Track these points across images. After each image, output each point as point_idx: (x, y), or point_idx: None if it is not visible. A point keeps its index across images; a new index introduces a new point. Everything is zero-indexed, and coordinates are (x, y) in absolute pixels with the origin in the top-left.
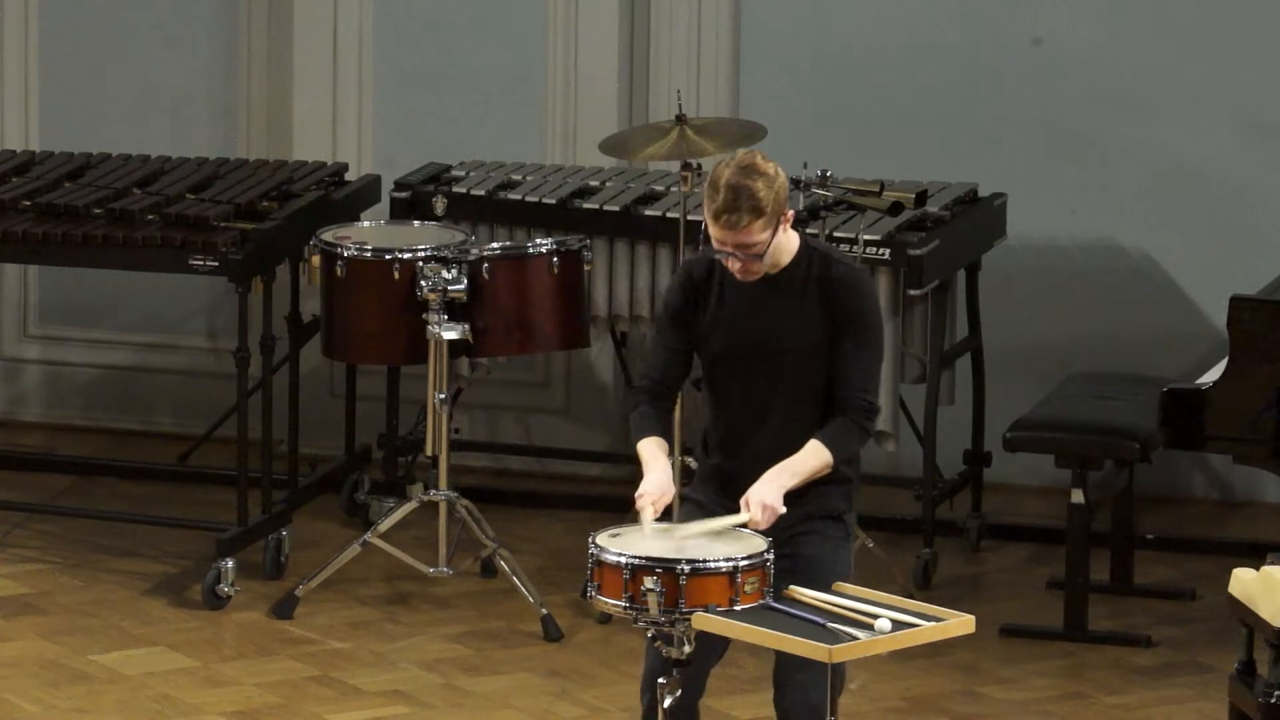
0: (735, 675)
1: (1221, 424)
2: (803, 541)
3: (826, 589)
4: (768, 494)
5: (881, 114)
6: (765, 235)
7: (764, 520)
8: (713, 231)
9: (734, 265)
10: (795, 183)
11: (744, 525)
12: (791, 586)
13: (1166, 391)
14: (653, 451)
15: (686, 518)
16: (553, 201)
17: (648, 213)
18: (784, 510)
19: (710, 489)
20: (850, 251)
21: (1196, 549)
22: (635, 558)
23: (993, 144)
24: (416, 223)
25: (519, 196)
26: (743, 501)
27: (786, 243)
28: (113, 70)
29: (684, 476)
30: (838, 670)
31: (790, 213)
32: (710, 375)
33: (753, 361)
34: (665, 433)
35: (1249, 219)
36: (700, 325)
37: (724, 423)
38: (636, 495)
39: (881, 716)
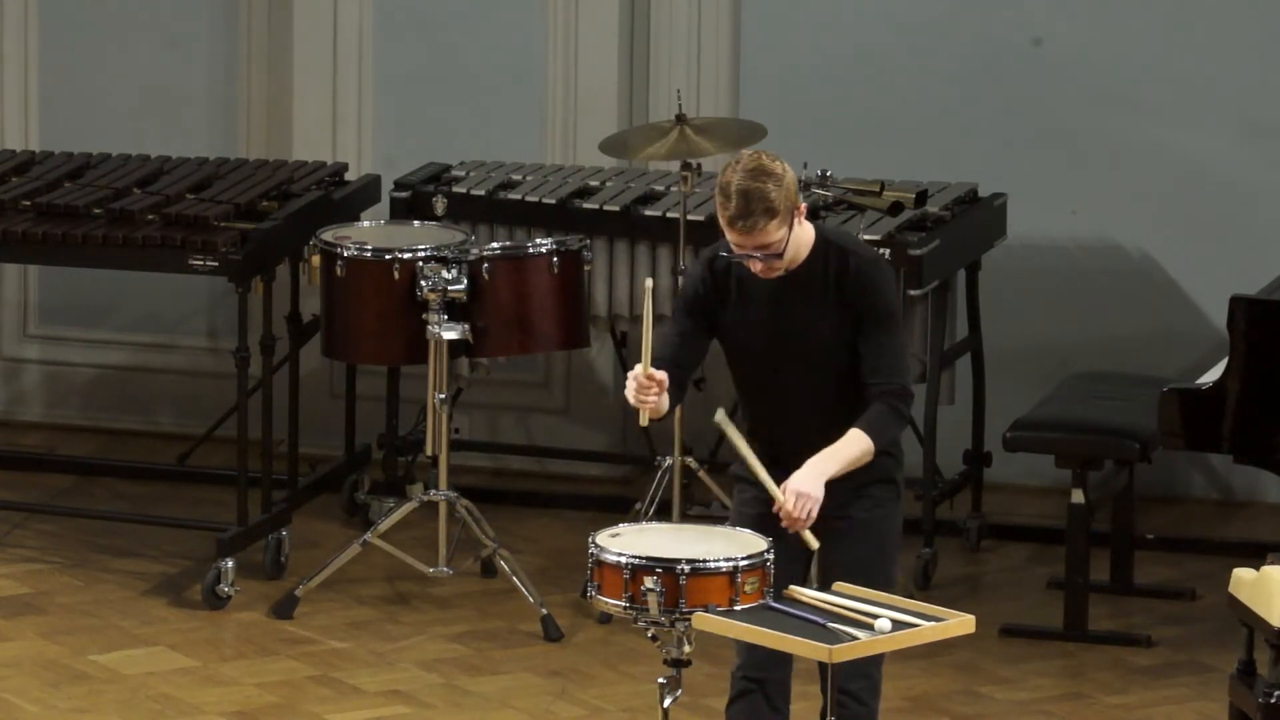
0: None
1: (1221, 424)
2: (858, 504)
3: (881, 549)
4: (805, 482)
5: (881, 114)
6: (782, 233)
7: (797, 509)
8: (730, 237)
9: (756, 266)
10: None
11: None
12: (791, 586)
13: (1166, 391)
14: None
15: (739, 503)
16: (553, 201)
17: (648, 213)
18: (820, 498)
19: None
20: None
21: (1196, 549)
22: (635, 557)
23: (993, 144)
24: (416, 223)
25: (519, 196)
26: (781, 488)
27: (803, 235)
28: (113, 70)
29: (683, 476)
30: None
31: (803, 205)
32: (736, 370)
33: (777, 356)
34: (676, 394)
35: (1249, 219)
36: (722, 319)
37: (752, 415)
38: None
39: (881, 716)
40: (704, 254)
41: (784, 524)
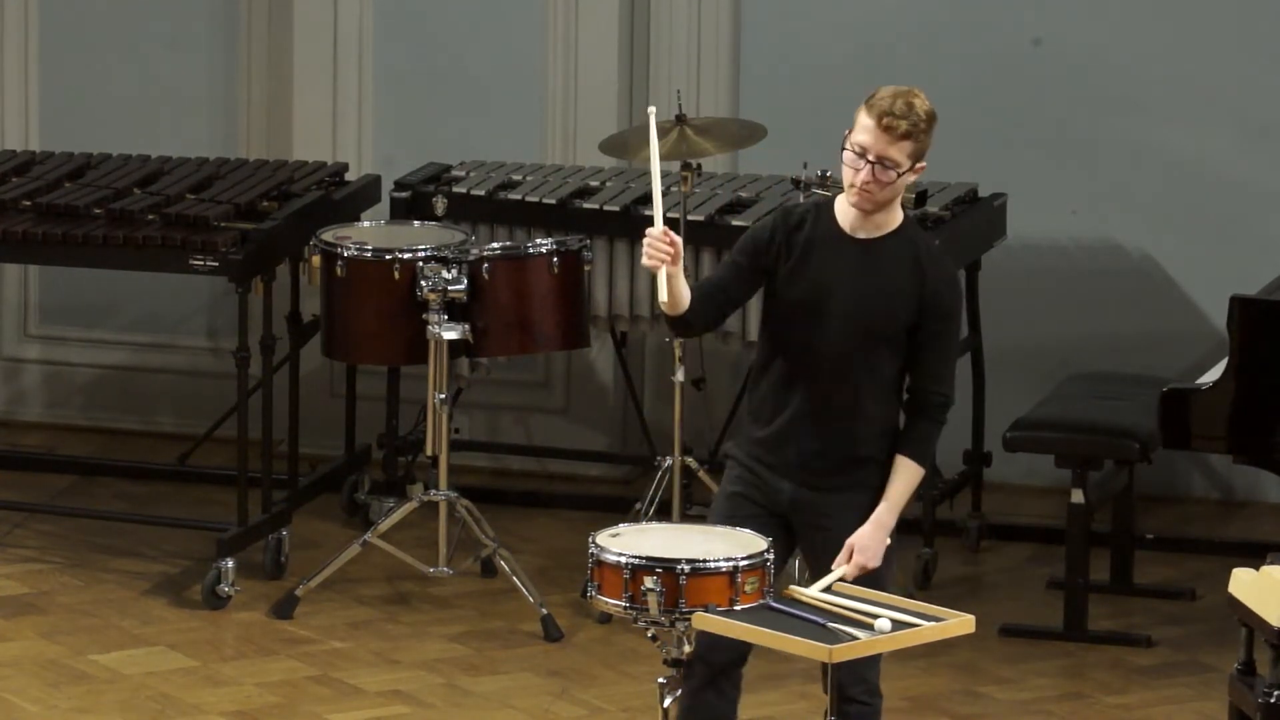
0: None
1: (1221, 424)
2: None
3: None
4: (869, 545)
5: None
6: (907, 163)
7: (869, 558)
8: (860, 136)
9: (862, 176)
10: (795, 183)
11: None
12: (791, 586)
13: (1166, 391)
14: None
15: (730, 479)
16: (553, 201)
17: (648, 213)
18: (881, 551)
19: (752, 452)
20: None
21: (1196, 549)
22: (635, 557)
23: (993, 144)
24: (416, 223)
25: (519, 196)
26: (845, 550)
27: (899, 203)
28: (113, 70)
29: (683, 476)
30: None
31: (923, 165)
32: (776, 327)
33: (828, 319)
34: (706, 309)
35: (1249, 219)
36: (781, 270)
37: (778, 376)
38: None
39: (882, 716)
40: (781, 206)
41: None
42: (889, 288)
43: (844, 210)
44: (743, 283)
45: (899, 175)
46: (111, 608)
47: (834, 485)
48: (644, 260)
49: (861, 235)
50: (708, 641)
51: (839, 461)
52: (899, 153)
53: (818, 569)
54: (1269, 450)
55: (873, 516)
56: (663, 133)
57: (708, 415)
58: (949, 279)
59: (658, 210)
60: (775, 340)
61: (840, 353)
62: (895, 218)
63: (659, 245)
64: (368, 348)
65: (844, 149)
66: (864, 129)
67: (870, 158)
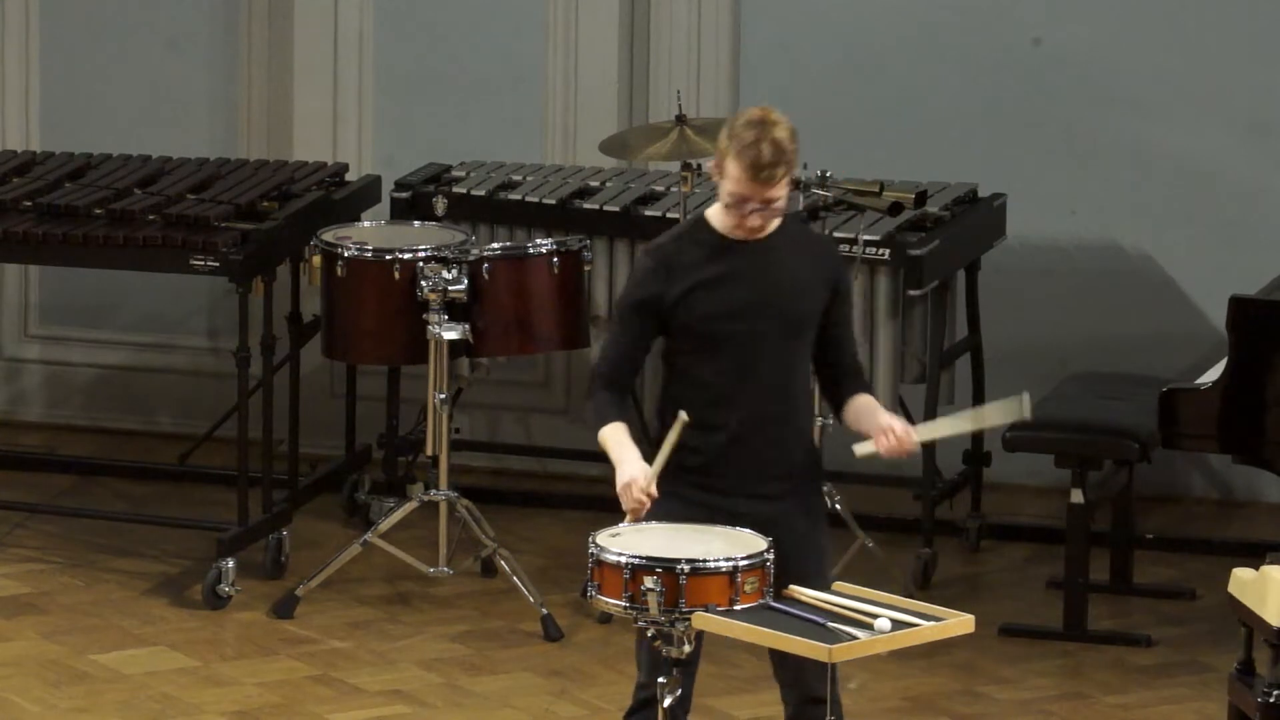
0: (735, 675)
1: (1221, 424)
2: (798, 516)
3: (822, 566)
4: (902, 425)
5: (881, 114)
6: (787, 189)
7: (908, 439)
8: (740, 189)
9: (755, 222)
10: (795, 183)
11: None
12: (792, 586)
13: (1166, 391)
14: (619, 438)
15: (668, 514)
16: (553, 201)
17: (648, 213)
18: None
19: (689, 480)
20: (850, 252)
21: (1196, 549)
22: (635, 557)
23: (993, 144)
24: (417, 223)
25: (519, 196)
26: (878, 428)
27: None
28: (113, 70)
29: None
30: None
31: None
32: (688, 357)
33: (745, 325)
34: (628, 419)
35: (1249, 219)
36: (678, 303)
37: (703, 402)
38: (621, 485)
39: (881, 716)
40: (646, 252)
41: (887, 451)
42: (798, 280)
43: (722, 220)
44: (640, 353)
45: (788, 195)
46: (112, 608)
47: (788, 490)
48: (624, 504)
49: (750, 238)
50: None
51: (787, 464)
52: (780, 189)
53: (790, 572)
54: (1268, 450)
55: (880, 412)
56: (663, 133)
57: None
58: (841, 256)
59: (657, 468)
60: (689, 370)
61: (765, 355)
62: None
63: (644, 506)
64: (368, 348)
65: (722, 197)
66: (738, 181)
67: (756, 206)
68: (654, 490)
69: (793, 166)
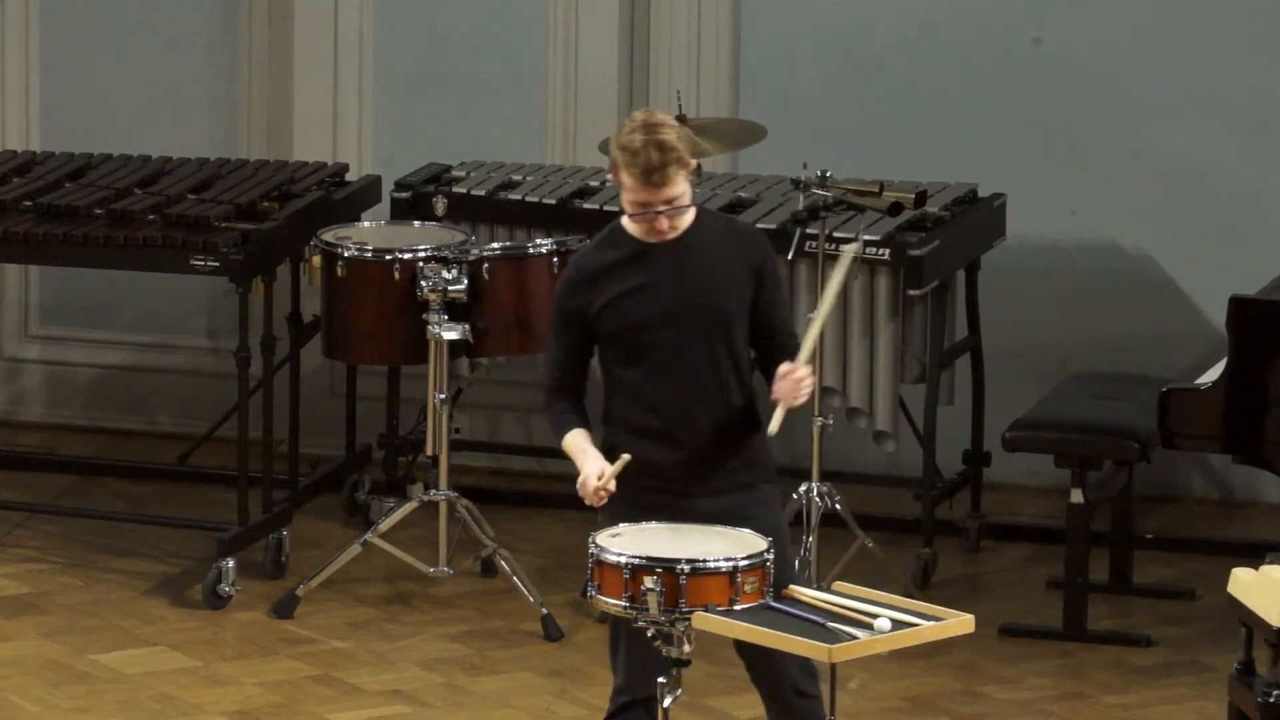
0: (735, 675)
1: (1220, 424)
2: (752, 507)
3: (781, 553)
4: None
5: (881, 114)
6: (686, 185)
7: (806, 382)
8: (639, 196)
9: (663, 225)
10: (795, 183)
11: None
12: (792, 586)
13: (1166, 391)
14: (580, 445)
15: (612, 518)
16: (553, 201)
17: None
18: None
19: (643, 484)
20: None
21: (1196, 549)
22: (635, 557)
23: (993, 144)
24: (417, 223)
25: (519, 196)
26: (776, 388)
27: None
28: (113, 70)
29: None
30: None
31: (694, 162)
32: (623, 352)
33: (675, 324)
34: (587, 425)
35: (1249, 219)
36: (603, 312)
37: (645, 395)
38: (580, 483)
39: (881, 716)
40: (571, 263)
41: (784, 394)
42: (718, 276)
43: (635, 227)
44: (582, 357)
45: (689, 193)
46: (112, 608)
47: (741, 482)
48: (587, 500)
49: (666, 238)
50: (638, 676)
51: (735, 458)
52: (679, 185)
53: None
54: (1268, 450)
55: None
56: None
57: None
58: (764, 240)
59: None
60: (623, 377)
61: (694, 356)
62: (690, 211)
63: (601, 496)
64: (368, 348)
65: (626, 207)
66: (634, 189)
67: (659, 209)
68: (611, 486)
69: (686, 161)
